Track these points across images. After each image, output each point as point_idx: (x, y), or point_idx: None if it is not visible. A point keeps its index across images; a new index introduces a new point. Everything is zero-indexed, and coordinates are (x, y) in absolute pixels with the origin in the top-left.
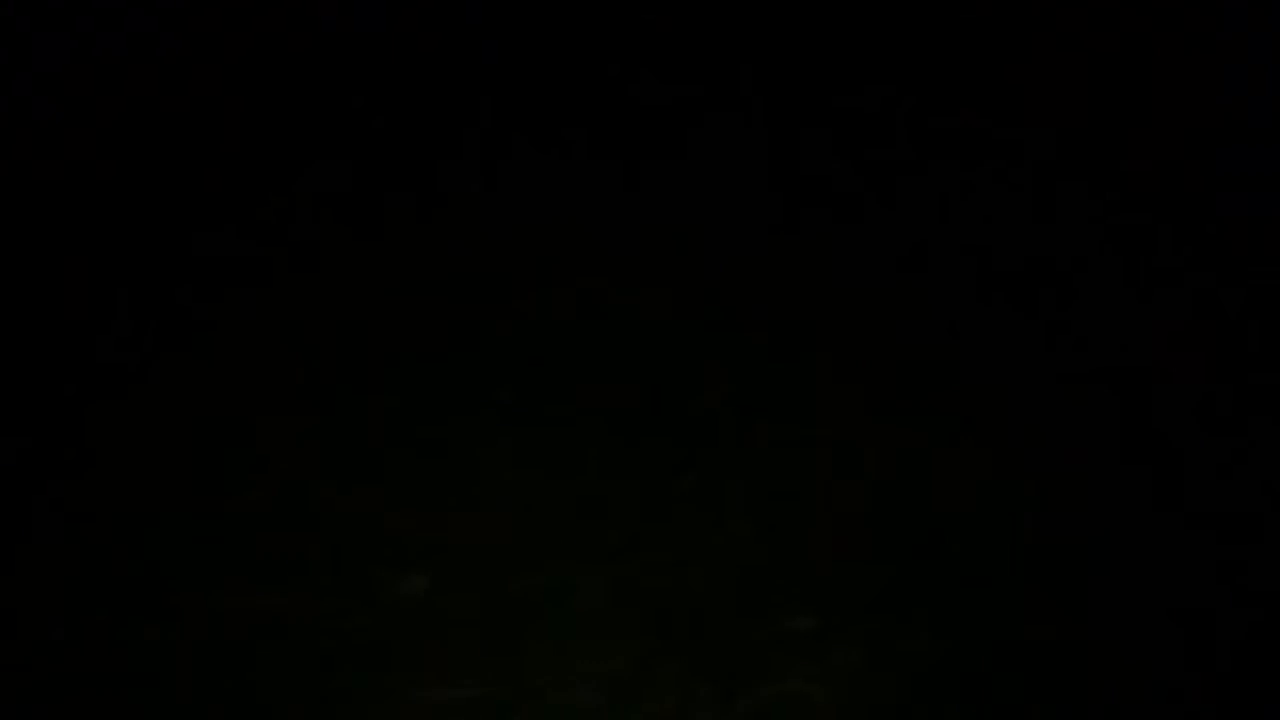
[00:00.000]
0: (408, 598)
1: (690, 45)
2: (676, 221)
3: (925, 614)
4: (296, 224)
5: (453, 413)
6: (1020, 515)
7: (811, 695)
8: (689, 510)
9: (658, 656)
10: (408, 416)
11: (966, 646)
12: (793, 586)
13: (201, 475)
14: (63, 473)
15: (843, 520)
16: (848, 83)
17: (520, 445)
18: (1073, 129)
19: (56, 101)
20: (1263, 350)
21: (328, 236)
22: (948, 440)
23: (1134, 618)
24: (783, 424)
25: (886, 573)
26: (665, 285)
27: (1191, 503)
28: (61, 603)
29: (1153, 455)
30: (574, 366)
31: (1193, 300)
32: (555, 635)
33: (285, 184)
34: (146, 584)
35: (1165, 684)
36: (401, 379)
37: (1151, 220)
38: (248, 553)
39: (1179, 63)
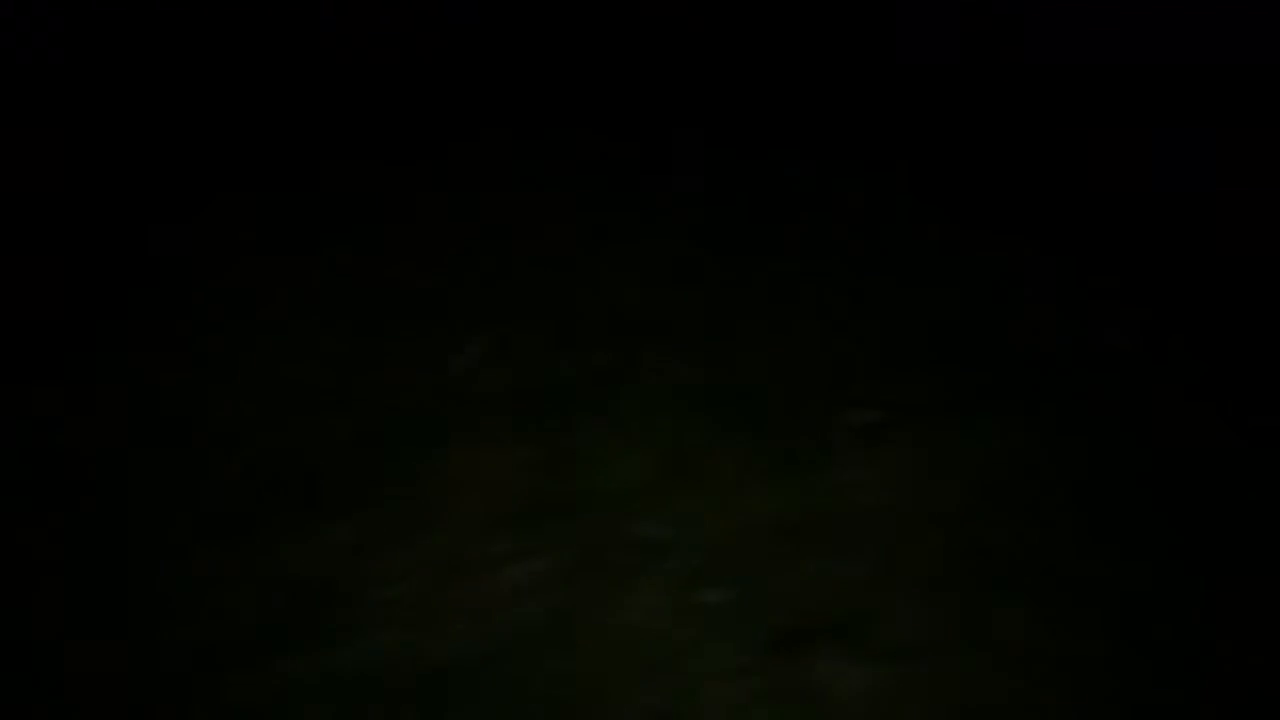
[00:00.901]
0: (466, 366)
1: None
2: None
3: (989, 420)
4: None
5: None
6: (1094, 329)
7: (867, 486)
8: (759, 307)
9: (716, 437)
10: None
11: (1028, 452)
12: (859, 383)
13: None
14: None
15: (916, 325)
16: None
17: (595, 230)
18: None
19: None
20: None
21: None
22: (1029, 253)
23: (1201, 426)
24: (864, 231)
25: (953, 377)
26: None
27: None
28: None
29: (1223, 272)
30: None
31: None
32: (614, 411)
33: None
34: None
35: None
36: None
37: None
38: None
39: None
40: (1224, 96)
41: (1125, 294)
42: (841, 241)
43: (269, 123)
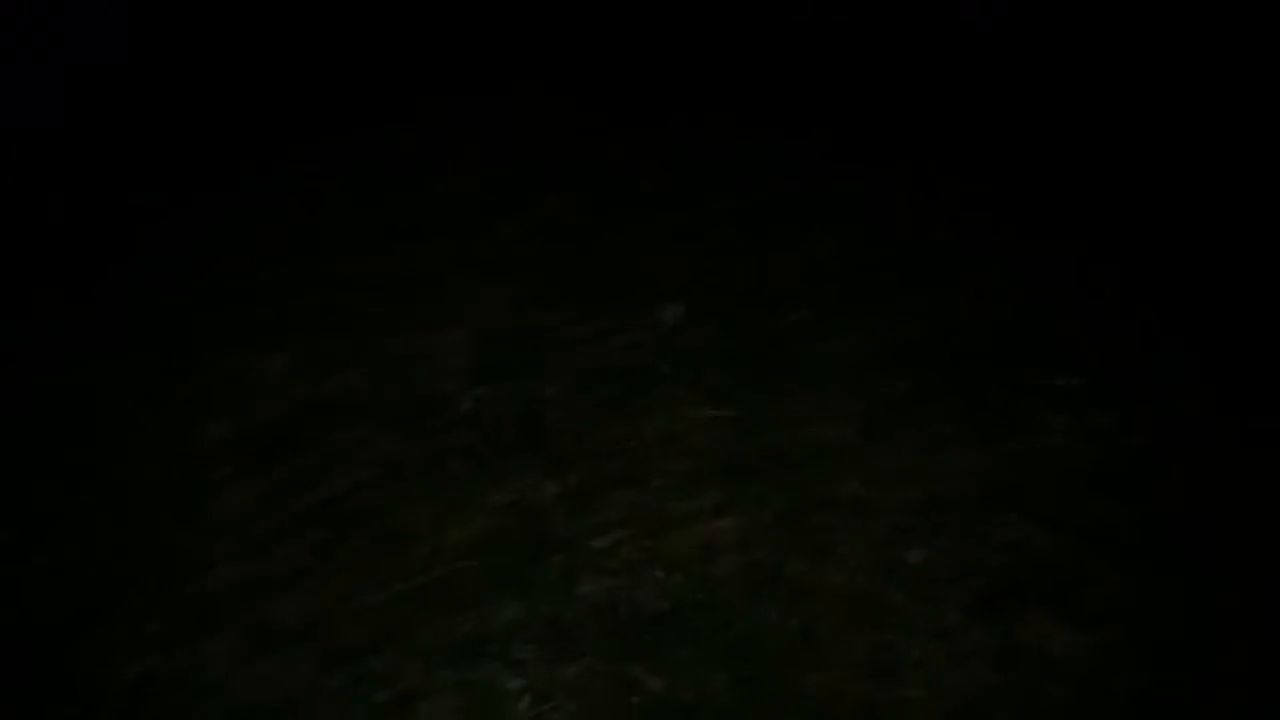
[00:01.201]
0: (667, 324)
1: None
2: None
3: (1183, 383)
4: None
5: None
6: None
7: (1070, 452)
8: (952, 266)
9: (916, 396)
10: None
11: (1219, 416)
12: (1061, 348)
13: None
14: None
15: (1110, 287)
16: None
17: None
18: None
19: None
20: None
21: None
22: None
23: None
24: None
25: (1151, 340)
26: None
27: None
28: None
29: None
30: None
31: None
32: (813, 369)
33: None
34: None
35: None
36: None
37: None
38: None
39: None
40: None
41: None
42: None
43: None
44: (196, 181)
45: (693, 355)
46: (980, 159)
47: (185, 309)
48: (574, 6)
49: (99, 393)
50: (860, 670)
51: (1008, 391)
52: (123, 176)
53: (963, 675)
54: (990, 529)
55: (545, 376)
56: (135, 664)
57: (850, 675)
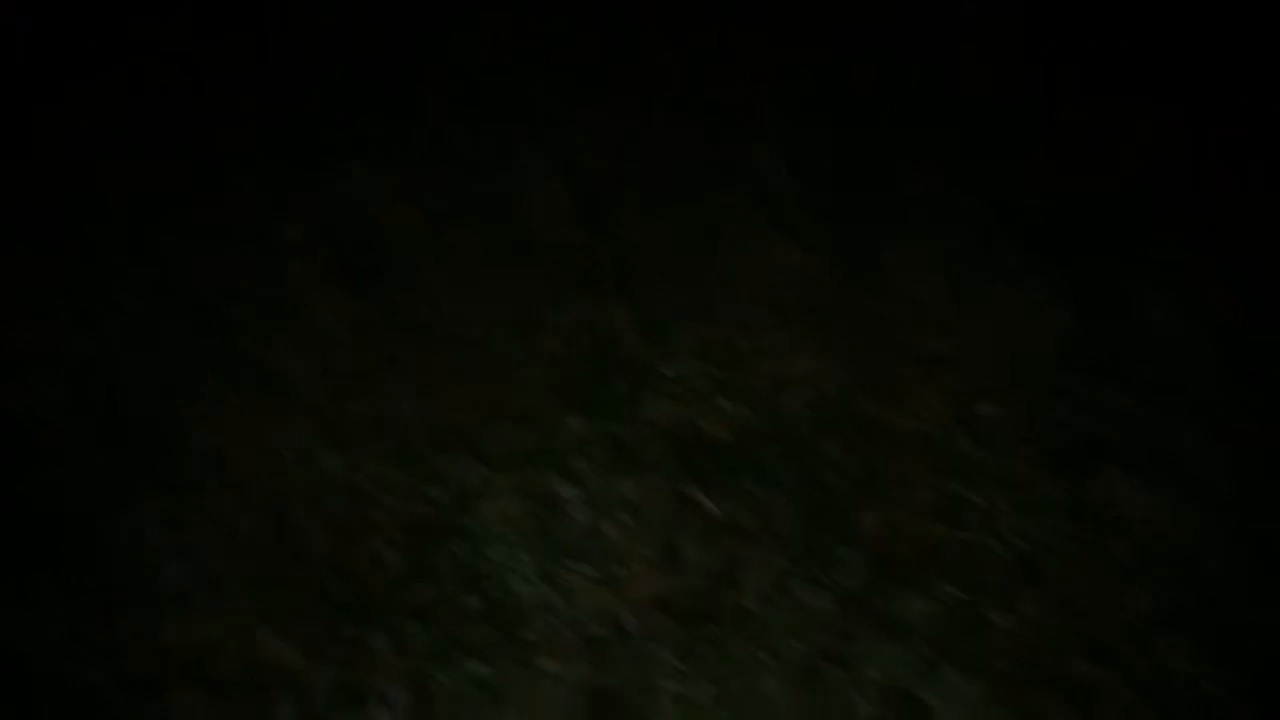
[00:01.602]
0: (767, 175)
1: None
2: None
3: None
4: None
5: None
6: None
7: (1163, 323)
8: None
9: (1010, 257)
10: None
11: None
12: (1168, 221)
13: None
14: None
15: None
16: None
17: None
18: None
19: None
20: None
21: None
22: None
23: None
24: None
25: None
26: None
27: None
28: None
29: None
30: None
31: None
32: (908, 224)
33: None
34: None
35: None
36: None
37: None
38: None
39: None
40: None
41: None
42: None
43: None
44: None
45: (791, 205)
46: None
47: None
48: None
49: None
50: (923, 512)
51: (1113, 263)
52: None
53: (1028, 524)
54: (1075, 390)
55: (636, 215)
56: (210, 437)
57: (912, 516)
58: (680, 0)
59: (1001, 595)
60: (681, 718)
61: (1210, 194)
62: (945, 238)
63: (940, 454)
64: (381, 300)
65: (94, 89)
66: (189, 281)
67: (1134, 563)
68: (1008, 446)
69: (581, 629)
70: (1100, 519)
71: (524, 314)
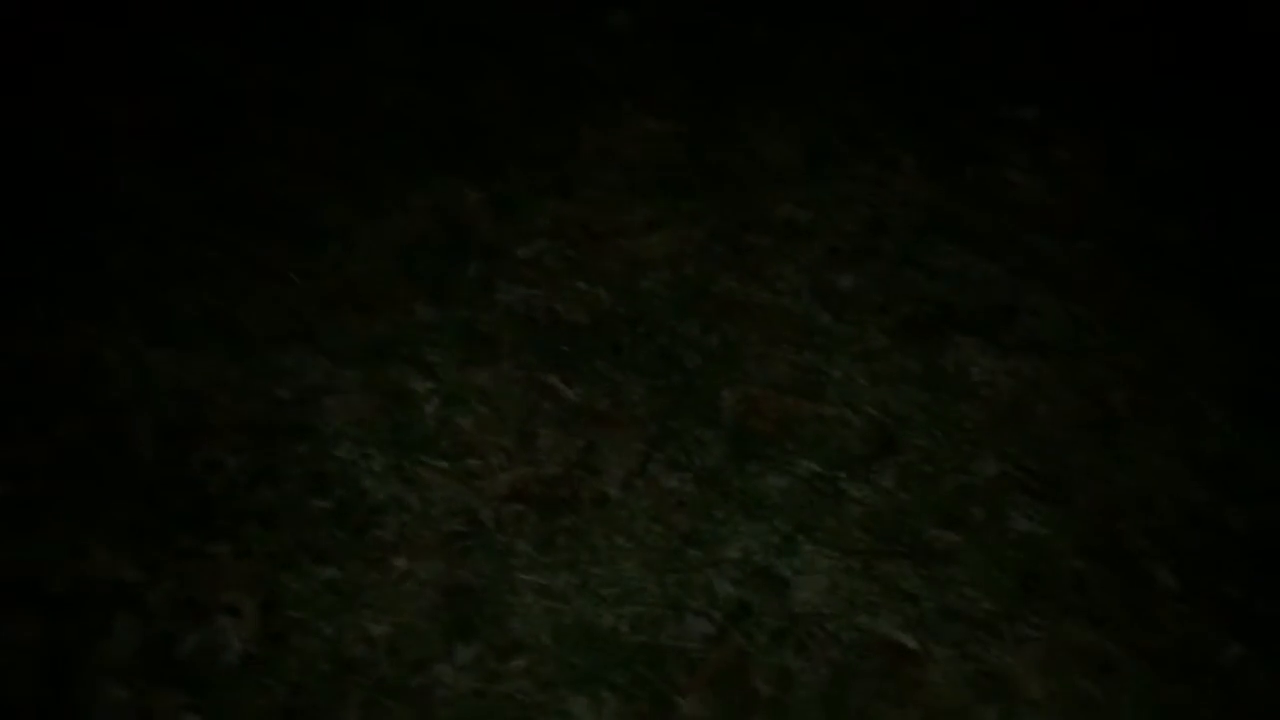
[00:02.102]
0: (615, 30)
1: None
2: None
3: (1155, 130)
4: None
5: None
6: None
7: (1025, 187)
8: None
9: (874, 121)
10: None
11: (1190, 162)
12: (1022, 80)
13: None
14: None
15: (1077, 32)
16: None
17: None
18: None
19: None
20: None
21: None
22: None
23: None
24: None
25: (1120, 80)
26: None
27: None
28: None
29: None
30: None
31: None
32: (770, 87)
33: None
34: None
35: None
36: None
37: None
38: None
39: None
40: None
41: None
42: None
43: None
44: None
45: (639, 65)
46: None
47: None
48: None
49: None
50: (780, 386)
51: (967, 123)
52: None
53: (884, 395)
54: (928, 257)
55: (478, 77)
56: (26, 339)
57: (770, 391)
58: None
59: (858, 468)
60: (542, 610)
61: (1066, 57)
62: (799, 100)
63: (798, 328)
64: (214, 180)
65: None
66: (8, 163)
67: (981, 427)
68: (864, 317)
69: (437, 525)
70: (952, 387)
71: (369, 194)
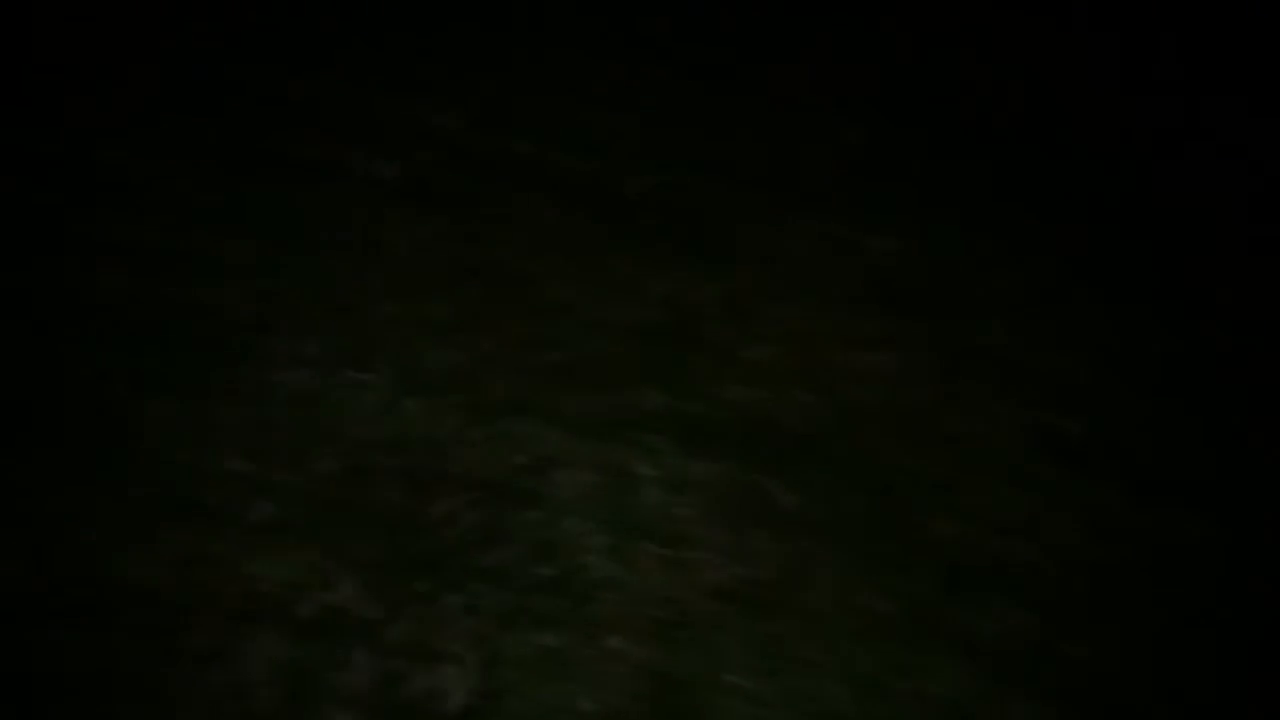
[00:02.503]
0: (848, 142)
1: None
2: None
3: None
4: None
5: None
6: None
7: None
8: None
9: (1098, 262)
10: None
11: None
12: None
13: None
14: None
15: None
16: None
17: None
18: None
19: None
20: None
21: None
22: None
23: None
24: None
25: None
26: None
27: None
28: None
29: None
30: None
31: None
32: (990, 216)
33: None
34: None
35: None
36: None
37: None
38: None
39: None
40: None
41: None
42: None
43: None
44: None
45: (873, 179)
46: None
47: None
48: None
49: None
50: (996, 526)
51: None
52: None
53: (1100, 553)
54: (1166, 417)
55: (720, 174)
56: (293, 377)
57: (984, 529)
58: None
59: (1073, 625)
60: (746, 715)
61: None
62: (1026, 231)
63: (1016, 470)
64: (472, 248)
65: None
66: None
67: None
68: (1093, 470)
69: (650, 610)
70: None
71: (606, 274)
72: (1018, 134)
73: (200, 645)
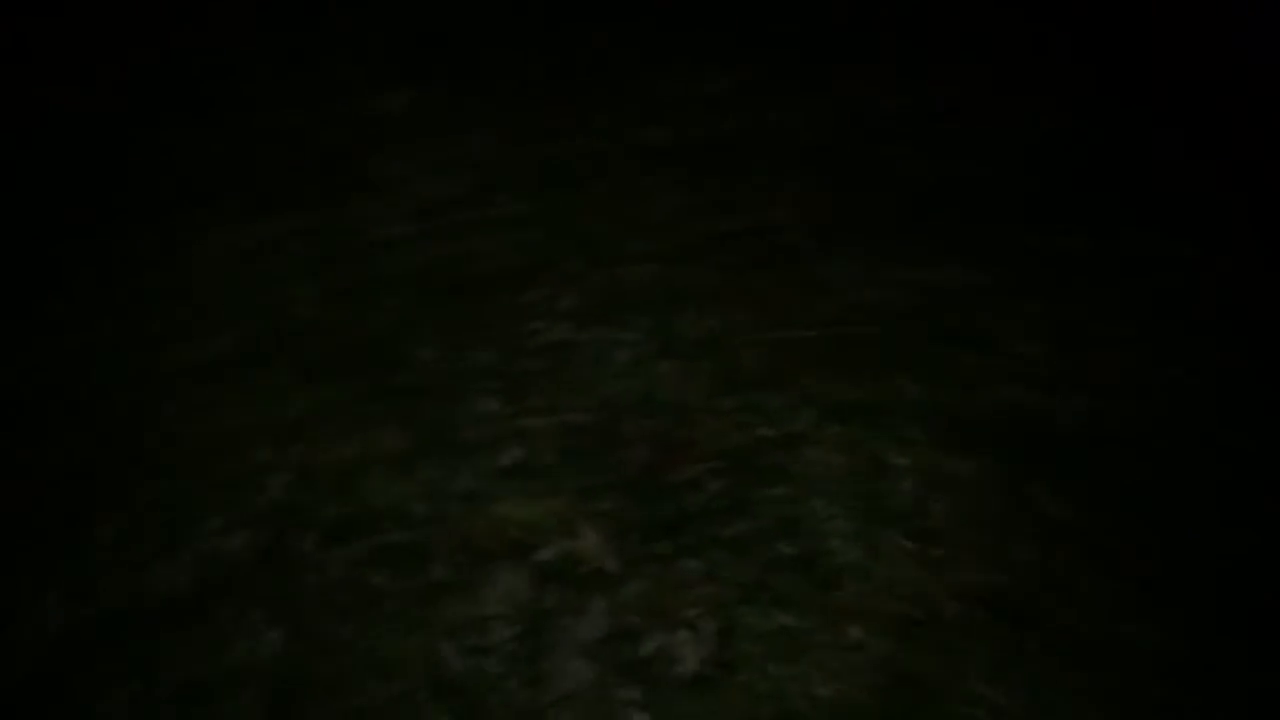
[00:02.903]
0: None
1: None
2: None
3: None
4: None
5: None
6: None
7: None
8: None
9: None
10: None
11: None
12: None
13: None
14: None
15: None
16: None
17: None
18: None
19: None
20: None
21: None
22: None
23: None
24: None
25: None
26: None
27: None
28: None
29: None
30: None
31: None
32: None
33: None
34: None
35: None
36: None
37: None
38: None
39: None
40: None
41: None
42: None
43: None
44: None
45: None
46: None
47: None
48: None
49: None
50: None
51: None
52: None
53: None
54: None
55: (982, 157)
56: (550, 327)
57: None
58: None
59: None
60: None
61: None
62: None
63: None
64: (736, 216)
65: None
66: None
67: None
68: None
69: (895, 604)
70: None
71: (879, 262)
72: None
73: (444, 575)
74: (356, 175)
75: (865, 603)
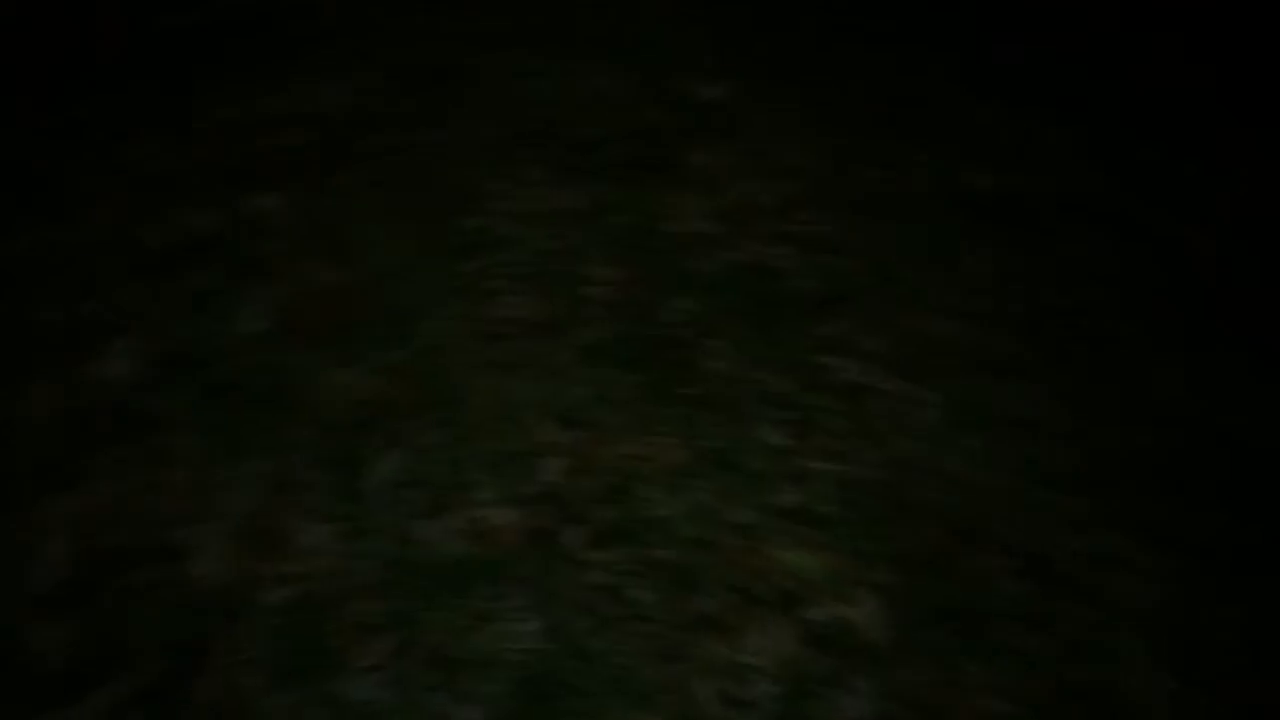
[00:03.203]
0: None
1: None
2: None
3: None
4: None
5: None
6: None
7: None
8: None
9: None
10: None
11: None
12: None
13: None
14: None
15: None
16: None
17: None
18: None
19: None
20: None
21: None
22: None
23: None
24: None
25: None
26: None
27: None
28: None
29: None
30: None
31: None
32: None
33: None
34: None
35: None
36: None
37: None
38: None
39: None
40: None
41: None
42: None
43: None
44: None
45: None
46: None
47: None
48: None
49: None
50: None
51: None
52: None
53: None
54: None
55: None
56: (850, 370)
57: None
58: None
59: None
60: None
61: None
62: None
63: None
64: (1045, 274)
65: None
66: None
67: None
68: None
69: None
70: None
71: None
72: None
73: (709, 608)
74: (667, 160)
75: None
